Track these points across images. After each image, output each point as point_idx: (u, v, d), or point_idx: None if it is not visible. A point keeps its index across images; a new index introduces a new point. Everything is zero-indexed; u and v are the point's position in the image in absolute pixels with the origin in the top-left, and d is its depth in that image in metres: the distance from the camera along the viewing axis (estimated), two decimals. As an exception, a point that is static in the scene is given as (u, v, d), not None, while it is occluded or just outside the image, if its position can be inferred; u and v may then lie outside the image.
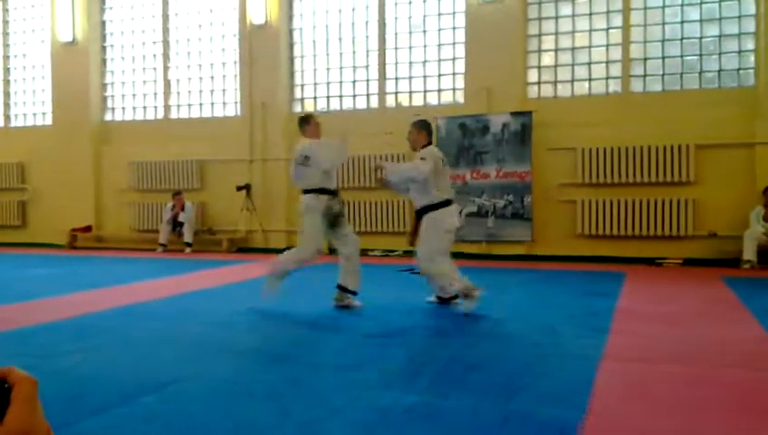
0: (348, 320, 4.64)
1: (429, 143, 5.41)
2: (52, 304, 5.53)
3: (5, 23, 12.83)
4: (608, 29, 9.11)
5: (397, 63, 10.22)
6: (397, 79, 10.22)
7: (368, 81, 10.39)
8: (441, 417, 2.63)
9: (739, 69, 8.61)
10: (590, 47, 9.19)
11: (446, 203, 5.23)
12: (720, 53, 8.68)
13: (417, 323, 4.53)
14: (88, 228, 11.75)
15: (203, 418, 2.63)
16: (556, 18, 9.33)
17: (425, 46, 10.05)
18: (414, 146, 5.42)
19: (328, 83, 10.64)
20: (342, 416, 2.64)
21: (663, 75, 8.90)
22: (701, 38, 8.72)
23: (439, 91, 10.01)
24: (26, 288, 6.53)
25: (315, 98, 10.76)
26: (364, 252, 9.00)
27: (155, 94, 11.81)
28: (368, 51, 10.39)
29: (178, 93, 11.65)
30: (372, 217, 9.94)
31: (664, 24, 8.88)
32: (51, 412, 2.43)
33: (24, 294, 6.11)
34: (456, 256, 9.25)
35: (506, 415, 2.64)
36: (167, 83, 11.68)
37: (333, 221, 5.20)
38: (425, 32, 10.05)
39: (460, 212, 9.34)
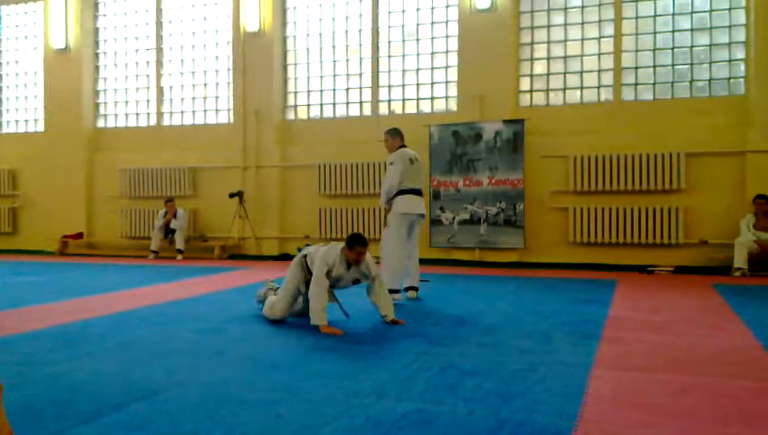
0: (340, 328, 4.62)
1: (402, 147, 6.07)
2: (42, 312, 5.50)
3: (-2, 29, 12.81)
4: (599, 38, 9.18)
5: (390, 71, 10.25)
6: (390, 87, 10.25)
7: (361, 88, 10.42)
8: (435, 424, 2.62)
9: (729, 78, 8.68)
10: (581, 56, 9.26)
11: (408, 191, 5.91)
12: (711, 63, 8.76)
13: (410, 330, 4.52)
14: (79, 235, 11.70)
15: (193, 426, 2.62)
16: (548, 27, 9.39)
17: (418, 54, 10.09)
18: (389, 150, 6.12)
19: (321, 91, 10.66)
20: (336, 424, 2.63)
21: (654, 84, 8.97)
22: (692, 47, 8.80)
23: (432, 98, 10.04)
24: (16, 295, 6.49)
25: (309, 105, 10.78)
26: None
27: (147, 101, 11.80)
28: (361, 59, 10.42)
29: (171, 100, 11.64)
30: (370, 223, 9.94)
31: (655, 33, 8.95)
32: (40, 420, 2.41)
33: (14, 301, 6.08)
34: (450, 262, 9.38)
35: (500, 422, 2.64)
36: (159, 90, 11.67)
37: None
38: (418, 40, 10.10)
39: (453, 219, 9.39)
